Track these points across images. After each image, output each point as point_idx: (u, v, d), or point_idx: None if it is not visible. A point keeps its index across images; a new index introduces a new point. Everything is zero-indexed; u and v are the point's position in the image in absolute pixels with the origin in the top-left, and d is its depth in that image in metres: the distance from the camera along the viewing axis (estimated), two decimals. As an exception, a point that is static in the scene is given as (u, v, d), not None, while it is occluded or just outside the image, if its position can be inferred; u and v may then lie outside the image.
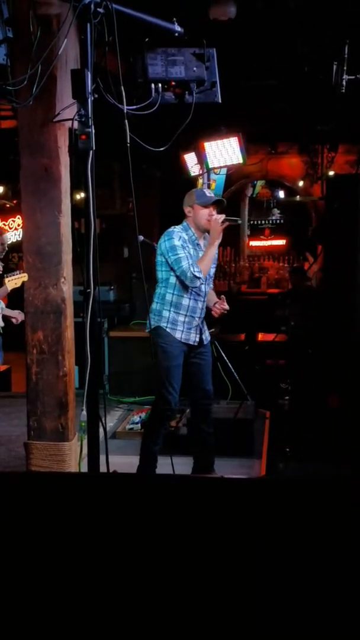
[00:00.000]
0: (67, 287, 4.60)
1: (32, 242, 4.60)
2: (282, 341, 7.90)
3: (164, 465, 4.53)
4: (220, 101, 3.20)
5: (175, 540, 1.59)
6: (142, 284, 3.98)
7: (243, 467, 4.95)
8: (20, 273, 4.48)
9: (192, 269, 4.35)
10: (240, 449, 5.19)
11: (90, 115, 2.66)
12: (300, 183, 11.64)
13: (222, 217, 4.33)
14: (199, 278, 4.37)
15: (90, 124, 2.67)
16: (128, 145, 2.87)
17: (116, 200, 10.40)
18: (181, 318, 4.48)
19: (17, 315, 5.44)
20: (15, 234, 11.16)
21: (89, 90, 2.67)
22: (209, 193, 4.63)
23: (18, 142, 4.37)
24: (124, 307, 8.34)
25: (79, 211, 4.81)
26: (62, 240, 4.52)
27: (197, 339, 4.55)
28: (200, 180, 6.84)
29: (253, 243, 14.37)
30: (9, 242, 10.18)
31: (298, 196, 12.04)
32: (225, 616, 1.43)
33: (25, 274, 4.44)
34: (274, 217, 13.98)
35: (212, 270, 4.65)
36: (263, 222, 14.29)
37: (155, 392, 4.65)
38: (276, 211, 14.08)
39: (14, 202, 10.63)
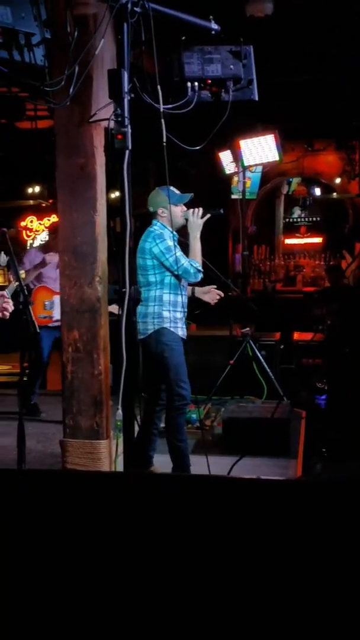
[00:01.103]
0: (102, 286, 4.61)
1: (67, 241, 4.62)
2: (318, 340, 7.83)
3: (198, 465, 4.51)
4: (257, 99, 3.17)
5: (212, 541, 1.58)
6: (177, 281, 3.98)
7: (279, 467, 4.91)
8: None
9: (194, 265, 4.43)
10: (276, 448, 5.14)
11: (126, 115, 2.66)
12: (337, 180, 11.52)
13: (200, 210, 4.42)
14: (201, 271, 4.46)
15: (126, 123, 2.67)
16: (164, 144, 2.86)
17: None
18: (178, 315, 4.56)
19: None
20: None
21: (126, 90, 2.66)
22: (176, 191, 4.62)
23: (55, 142, 4.39)
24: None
25: (114, 210, 4.83)
26: (97, 239, 4.53)
27: (184, 334, 4.64)
28: (236, 178, 6.81)
29: (288, 241, 14.25)
30: (44, 242, 10.29)
31: (335, 193, 11.92)
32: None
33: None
34: (303, 215, 13.88)
35: None
36: (299, 219, 14.17)
37: (166, 391, 4.64)
38: (297, 210, 14.00)
39: (50, 201, 10.72)
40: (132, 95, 2.75)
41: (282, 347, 7.48)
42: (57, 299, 5.57)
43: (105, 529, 1.59)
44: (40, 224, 11.84)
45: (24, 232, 11.29)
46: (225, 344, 6.90)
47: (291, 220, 14.09)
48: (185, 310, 4.59)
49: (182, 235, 4.74)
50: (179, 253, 4.42)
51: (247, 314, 7.23)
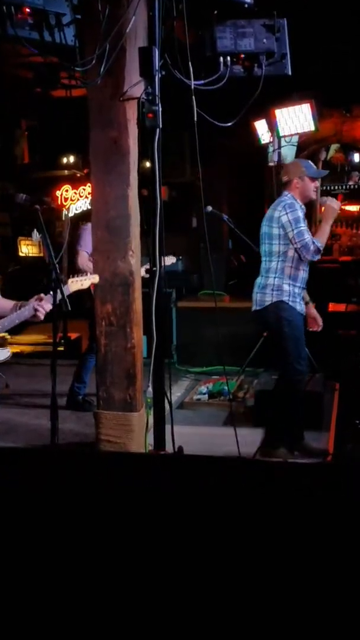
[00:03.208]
0: (135, 260, 4.62)
1: (101, 215, 4.63)
2: (353, 311, 7.75)
3: (228, 437, 4.53)
4: (290, 73, 3.11)
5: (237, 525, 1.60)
6: (208, 255, 3.95)
7: (310, 441, 4.91)
8: (88, 275, 4.21)
9: (315, 243, 4.37)
10: (309, 421, 5.13)
11: (157, 94, 2.64)
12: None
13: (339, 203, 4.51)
14: (320, 252, 4.40)
15: (157, 102, 2.65)
16: (195, 121, 2.83)
17: (186, 168, 10.33)
18: (297, 290, 4.51)
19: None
20: (85, 202, 11.26)
21: (157, 68, 2.64)
22: (313, 165, 4.65)
23: (88, 116, 4.38)
24: (192, 277, 8.33)
25: (146, 179, 4.82)
26: (130, 213, 4.53)
27: (303, 309, 4.60)
28: (271, 148, 6.71)
29: (325, 209, 14.03)
30: (79, 212, 10.31)
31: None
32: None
33: (96, 276, 4.20)
34: (350, 183, 13.60)
35: None
36: (336, 187, 13.91)
37: (281, 365, 4.63)
38: (356, 174, 13.67)
39: (85, 171, 10.69)
40: (164, 73, 2.72)
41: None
42: None
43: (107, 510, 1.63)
44: (75, 192, 11.86)
45: (59, 200, 11.31)
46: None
47: (329, 188, 13.84)
48: (304, 286, 4.55)
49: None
50: (304, 227, 4.38)
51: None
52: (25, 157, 11.19)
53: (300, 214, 4.42)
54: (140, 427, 4.62)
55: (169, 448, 4.06)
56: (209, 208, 6.06)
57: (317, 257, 4.43)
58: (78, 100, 8.40)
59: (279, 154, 6.45)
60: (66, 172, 11.24)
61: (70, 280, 3.86)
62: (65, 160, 11.08)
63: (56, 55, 2.93)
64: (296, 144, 7.53)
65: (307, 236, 4.36)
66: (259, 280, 4.64)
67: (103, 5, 2.90)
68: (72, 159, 10.82)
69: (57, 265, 3.36)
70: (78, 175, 10.94)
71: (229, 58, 3.02)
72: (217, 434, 5.09)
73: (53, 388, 3.55)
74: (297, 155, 9.08)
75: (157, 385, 3.16)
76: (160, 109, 2.66)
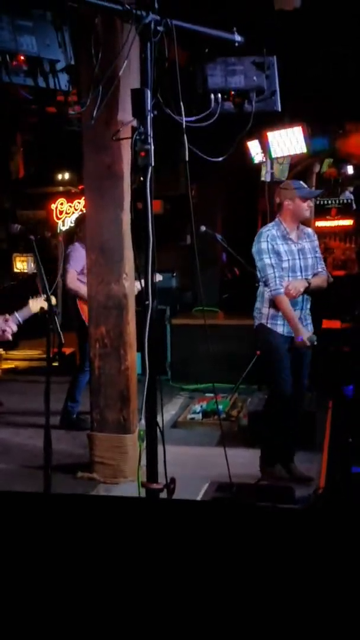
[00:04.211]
0: (128, 283, 4.68)
1: (95, 239, 4.70)
2: (346, 328, 7.80)
3: (221, 457, 4.55)
4: (279, 109, 3.18)
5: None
6: (197, 275, 3.97)
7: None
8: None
9: (275, 282, 4.37)
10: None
11: (149, 134, 2.70)
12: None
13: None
14: (279, 294, 4.37)
15: (149, 141, 2.72)
16: (186, 161, 2.90)
17: (180, 181, 10.37)
18: (280, 313, 4.48)
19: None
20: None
21: (149, 109, 2.70)
22: (305, 185, 4.65)
23: (82, 141, 4.45)
24: (187, 294, 8.37)
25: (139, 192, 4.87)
26: (123, 236, 4.59)
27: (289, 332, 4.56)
28: (264, 169, 6.78)
29: (319, 223, 14.11)
30: (73, 225, 10.34)
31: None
32: None
33: (53, 298, 4.27)
34: (342, 198, 13.69)
35: (310, 261, 4.56)
36: (330, 202, 14.01)
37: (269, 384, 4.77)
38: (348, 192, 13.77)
39: (80, 187, 10.77)
40: (155, 112, 2.78)
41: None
42: None
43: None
44: (70, 206, 11.93)
45: (54, 214, 11.37)
46: (253, 333, 6.91)
47: (322, 202, 13.93)
48: (296, 308, 4.46)
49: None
50: (269, 261, 4.36)
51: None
52: (21, 171, 11.26)
53: (265, 245, 4.39)
54: (134, 448, 4.66)
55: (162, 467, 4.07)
56: (203, 228, 6.13)
57: (272, 296, 4.39)
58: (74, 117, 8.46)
59: (272, 175, 6.52)
60: (61, 188, 11.32)
61: (31, 301, 3.95)
62: (60, 176, 11.16)
63: (50, 100, 3.00)
64: (289, 163, 7.60)
65: (269, 271, 4.37)
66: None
67: (96, 49, 2.97)
68: (67, 175, 10.89)
69: (50, 297, 3.40)
70: (73, 191, 11.01)
71: (219, 95, 3.09)
72: (210, 454, 5.11)
73: (47, 418, 3.59)
74: (291, 170, 9.17)
75: (150, 421, 3.21)
76: (153, 148, 2.72)
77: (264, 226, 4.61)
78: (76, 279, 5.75)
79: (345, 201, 13.56)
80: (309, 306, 4.62)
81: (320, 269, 4.62)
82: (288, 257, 4.46)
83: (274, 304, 4.46)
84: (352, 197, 13.52)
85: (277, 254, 4.42)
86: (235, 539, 1.68)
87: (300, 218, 4.55)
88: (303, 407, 5.11)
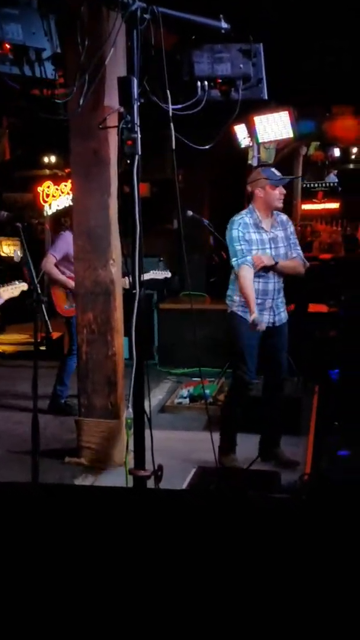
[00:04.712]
0: (115, 269, 4.68)
1: (81, 225, 4.69)
2: (333, 312, 7.83)
3: (208, 441, 4.59)
4: (266, 97, 3.17)
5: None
6: (184, 260, 3.98)
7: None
8: (19, 283, 4.40)
9: (243, 253, 4.38)
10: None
11: (136, 122, 2.70)
12: (354, 149, 11.37)
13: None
14: (245, 262, 4.37)
15: (136, 129, 2.71)
16: (174, 149, 2.90)
17: (167, 164, 10.33)
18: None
19: None
20: (67, 198, 11.26)
21: (135, 97, 2.70)
22: (277, 172, 4.60)
23: (69, 127, 4.42)
24: (174, 279, 8.37)
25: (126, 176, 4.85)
26: (110, 222, 4.58)
27: (272, 320, 4.58)
28: (251, 153, 6.77)
29: (305, 206, 14.12)
30: (60, 208, 10.32)
31: (352, 164, 11.78)
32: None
33: (24, 284, 4.34)
34: (327, 180, 13.70)
35: (282, 250, 4.56)
36: (316, 185, 14.01)
37: (233, 370, 4.76)
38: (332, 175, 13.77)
39: (66, 171, 10.70)
40: (142, 101, 2.78)
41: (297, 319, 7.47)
42: None
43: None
44: (57, 189, 11.85)
45: (40, 197, 11.30)
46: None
47: (309, 185, 13.93)
48: (267, 297, 4.49)
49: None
50: (240, 247, 4.38)
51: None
52: (7, 154, 11.17)
53: (237, 233, 4.40)
54: (121, 434, 4.69)
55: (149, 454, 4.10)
56: (190, 213, 6.11)
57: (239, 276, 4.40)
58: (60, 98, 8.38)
59: (259, 159, 6.52)
60: (47, 171, 11.25)
61: (2, 289, 4.02)
62: (46, 159, 11.08)
63: (36, 88, 2.98)
64: (275, 148, 7.60)
65: (239, 256, 4.38)
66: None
67: (82, 37, 2.95)
68: (53, 158, 10.82)
69: (38, 286, 3.40)
70: (60, 174, 10.95)
71: (206, 82, 3.08)
72: (197, 438, 5.14)
73: (35, 404, 3.60)
74: (278, 153, 9.15)
75: (138, 409, 3.23)
76: (139, 137, 2.72)
77: (236, 214, 4.58)
78: (52, 264, 5.85)
79: (331, 184, 13.58)
80: (281, 294, 4.62)
81: (294, 255, 4.62)
82: (258, 245, 4.46)
83: None
84: (336, 179, 13.53)
85: (248, 242, 4.43)
86: (221, 529, 1.71)
87: (272, 206, 4.50)
88: (286, 393, 5.15)
